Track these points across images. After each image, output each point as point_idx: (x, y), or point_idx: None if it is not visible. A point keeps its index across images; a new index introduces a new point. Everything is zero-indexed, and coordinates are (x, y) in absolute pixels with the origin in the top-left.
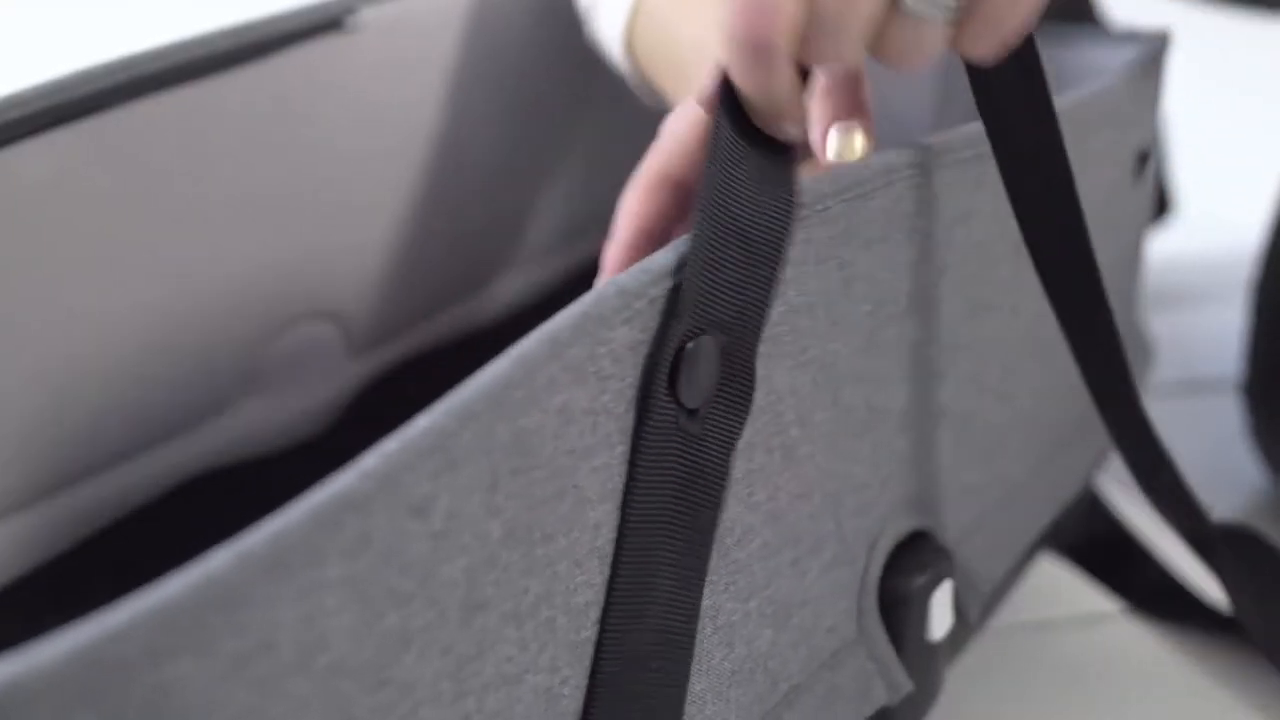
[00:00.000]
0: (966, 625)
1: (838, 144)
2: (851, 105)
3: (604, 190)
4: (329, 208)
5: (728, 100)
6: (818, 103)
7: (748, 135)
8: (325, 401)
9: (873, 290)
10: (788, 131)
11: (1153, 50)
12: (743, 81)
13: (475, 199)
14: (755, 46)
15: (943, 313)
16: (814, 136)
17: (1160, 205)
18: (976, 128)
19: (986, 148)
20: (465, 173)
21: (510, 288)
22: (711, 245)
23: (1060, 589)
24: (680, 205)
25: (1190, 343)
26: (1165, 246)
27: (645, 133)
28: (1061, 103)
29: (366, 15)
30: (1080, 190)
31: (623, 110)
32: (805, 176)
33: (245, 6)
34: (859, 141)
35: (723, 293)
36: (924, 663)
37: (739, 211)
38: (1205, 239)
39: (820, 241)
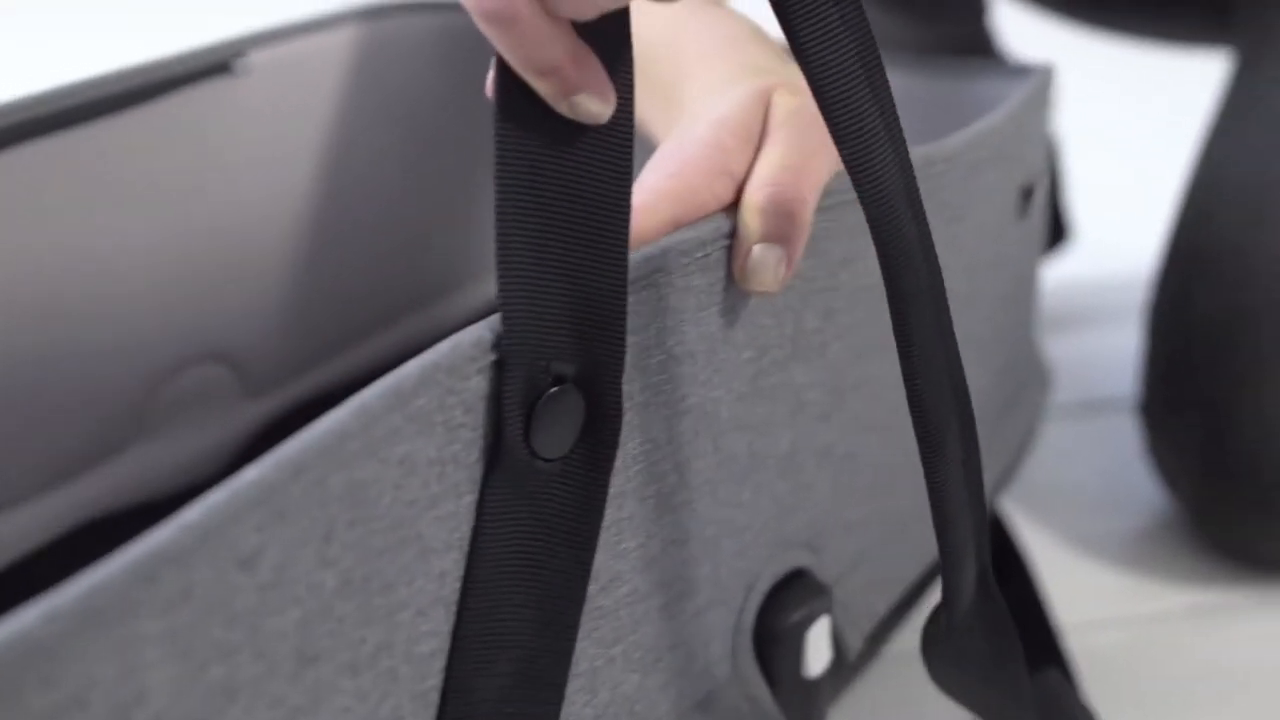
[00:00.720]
0: (846, 661)
1: (754, 264)
2: (788, 227)
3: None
4: (219, 250)
5: (515, 105)
6: (752, 214)
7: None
8: (220, 444)
9: (755, 336)
10: (587, 109)
11: (1038, 85)
12: (513, 59)
13: (370, 240)
14: (496, 13)
15: (829, 357)
16: (737, 248)
17: (1058, 233)
18: None
19: None
20: (358, 213)
21: (414, 328)
22: (559, 295)
23: None
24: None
25: (1089, 365)
26: (1065, 271)
27: None
28: (949, 145)
29: (255, 58)
30: (968, 229)
31: None
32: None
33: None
34: (777, 273)
35: (581, 341)
36: (802, 700)
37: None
38: (1103, 263)
39: (700, 289)
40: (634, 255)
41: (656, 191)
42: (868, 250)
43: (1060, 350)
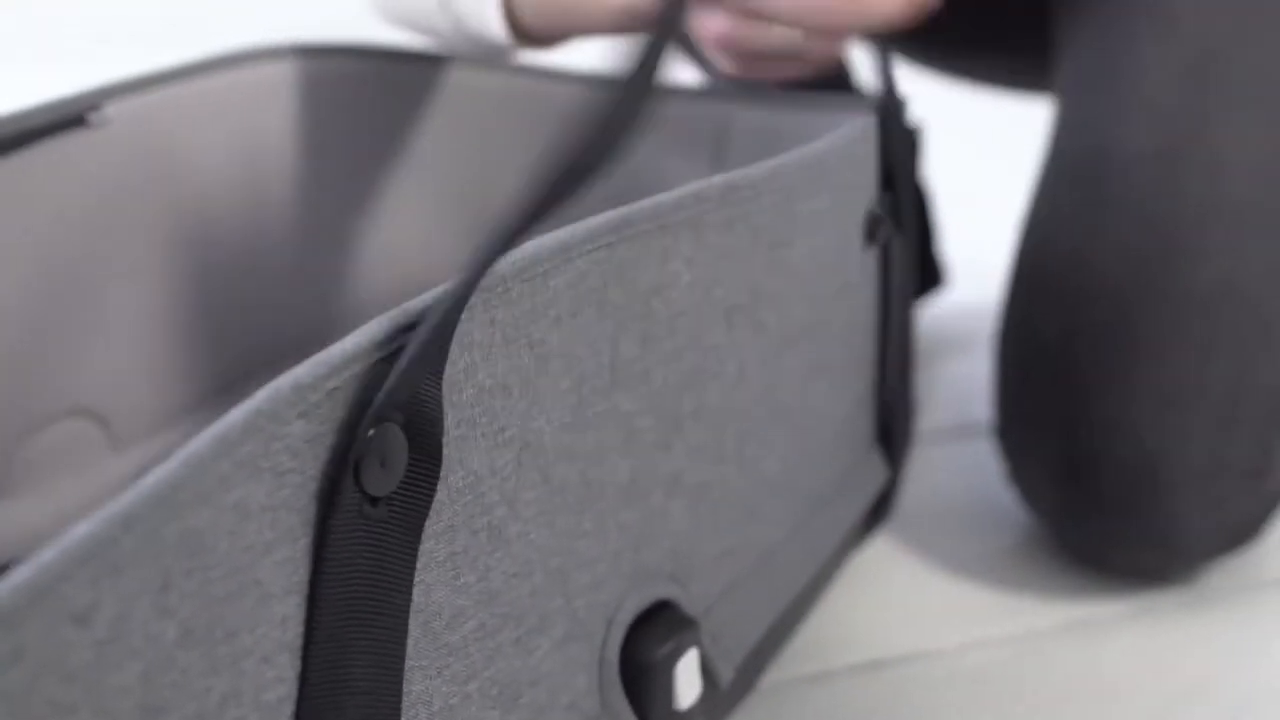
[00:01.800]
0: (718, 691)
1: None
2: None
3: (373, 276)
4: (80, 304)
5: None
6: None
7: None
8: (88, 500)
9: (571, 366)
10: None
11: (865, 120)
12: None
13: (234, 289)
14: None
15: (655, 383)
16: None
17: (935, 277)
18: (662, 199)
19: (671, 219)
20: (221, 263)
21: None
22: (387, 337)
23: (839, 638)
24: None
25: (965, 389)
26: (945, 298)
27: (410, 216)
28: (754, 171)
29: (111, 110)
30: (798, 254)
31: (387, 193)
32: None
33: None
34: None
35: (402, 380)
36: None
37: (417, 303)
38: (980, 290)
39: (505, 323)
40: (434, 292)
41: None
42: (678, 277)
43: (936, 376)
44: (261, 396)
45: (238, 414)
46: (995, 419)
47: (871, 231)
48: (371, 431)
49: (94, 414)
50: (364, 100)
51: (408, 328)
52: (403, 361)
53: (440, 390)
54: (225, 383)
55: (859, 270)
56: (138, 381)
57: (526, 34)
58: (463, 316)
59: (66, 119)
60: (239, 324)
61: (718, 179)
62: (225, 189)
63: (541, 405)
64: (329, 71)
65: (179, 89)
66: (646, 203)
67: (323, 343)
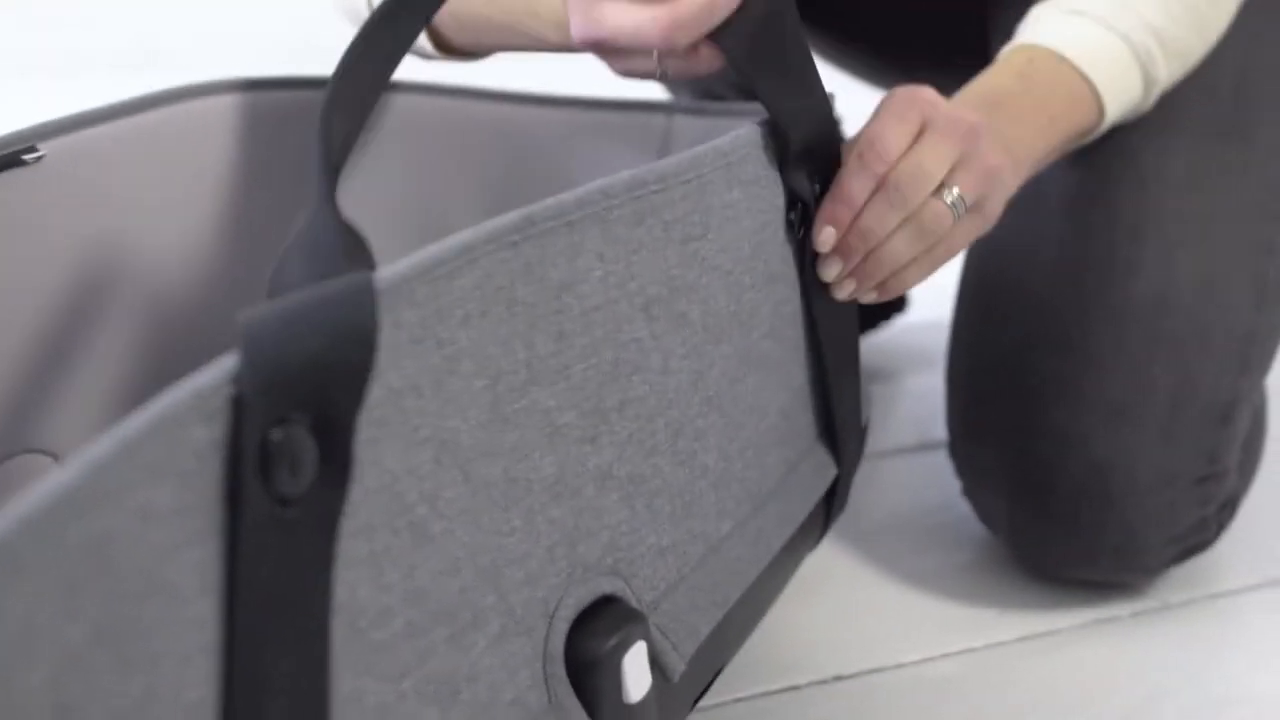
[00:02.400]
0: (671, 685)
1: None
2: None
3: None
4: (28, 344)
5: None
6: None
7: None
8: None
9: (485, 365)
10: None
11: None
12: None
13: (181, 326)
14: None
15: (575, 379)
16: None
17: (897, 302)
18: (565, 197)
19: (576, 215)
20: (167, 301)
21: None
22: (287, 332)
23: (803, 654)
24: None
25: (925, 405)
26: (911, 318)
27: (387, 249)
28: (660, 167)
29: (48, 149)
30: (712, 246)
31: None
32: (387, 267)
33: None
34: None
35: (305, 380)
36: None
37: (316, 301)
38: (940, 308)
39: (411, 323)
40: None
41: None
42: (590, 272)
43: (896, 392)
44: (163, 400)
45: (139, 419)
46: (949, 436)
47: (793, 220)
48: (276, 433)
49: (47, 451)
50: (304, 130)
51: (309, 330)
52: (301, 360)
53: (349, 391)
54: None
55: (781, 262)
56: (88, 419)
57: (451, 48)
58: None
59: (4, 159)
60: (187, 358)
61: (623, 175)
62: (166, 225)
63: (456, 404)
64: (267, 103)
65: (115, 126)
66: (550, 201)
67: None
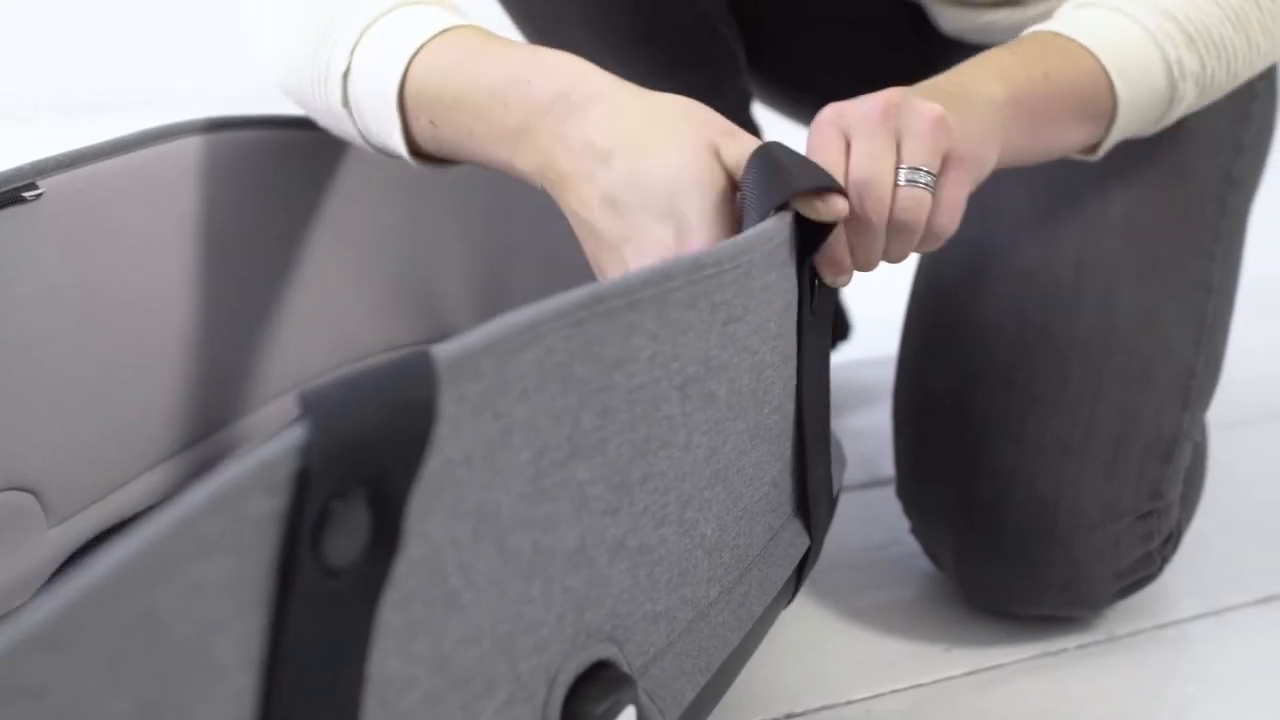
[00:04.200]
0: None
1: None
2: None
3: (304, 339)
4: (14, 380)
5: None
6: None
7: None
8: (28, 573)
9: (533, 438)
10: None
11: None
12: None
13: (165, 363)
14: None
15: (610, 453)
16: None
17: (840, 330)
18: (631, 277)
19: (640, 295)
20: (152, 337)
21: (212, 450)
22: (354, 408)
23: (753, 693)
24: None
25: (872, 442)
26: (850, 351)
27: (336, 276)
28: (719, 250)
29: (48, 185)
30: (748, 328)
31: (313, 255)
32: (454, 340)
33: None
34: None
35: (367, 453)
36: None
37: (381, 375)
38: (885, 344)
39: (472, 397)
40: (395, 362)
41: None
42: (641, 351)
43: (843, 429)
44: (225, 474)
45: (201, 493)
46: (896, 475)
47: (816, 296)
48: (334, 505)
49: (30, 489)
50: (294, 167)
51: (373, 404)
52: (375, 432)
53: (407, 464)
54: (160, 456)
55: (793, 340)
56: (72, 456)
57: (427, 156)
58: (433, 392)
59: (4, 196)
60: (172, 395)
61: (684, 257)
62: (154, 261)
63: (501, 476)
64: (257, 141)
65: (110, 164)
66: (616, 280)
67: (255, 412)
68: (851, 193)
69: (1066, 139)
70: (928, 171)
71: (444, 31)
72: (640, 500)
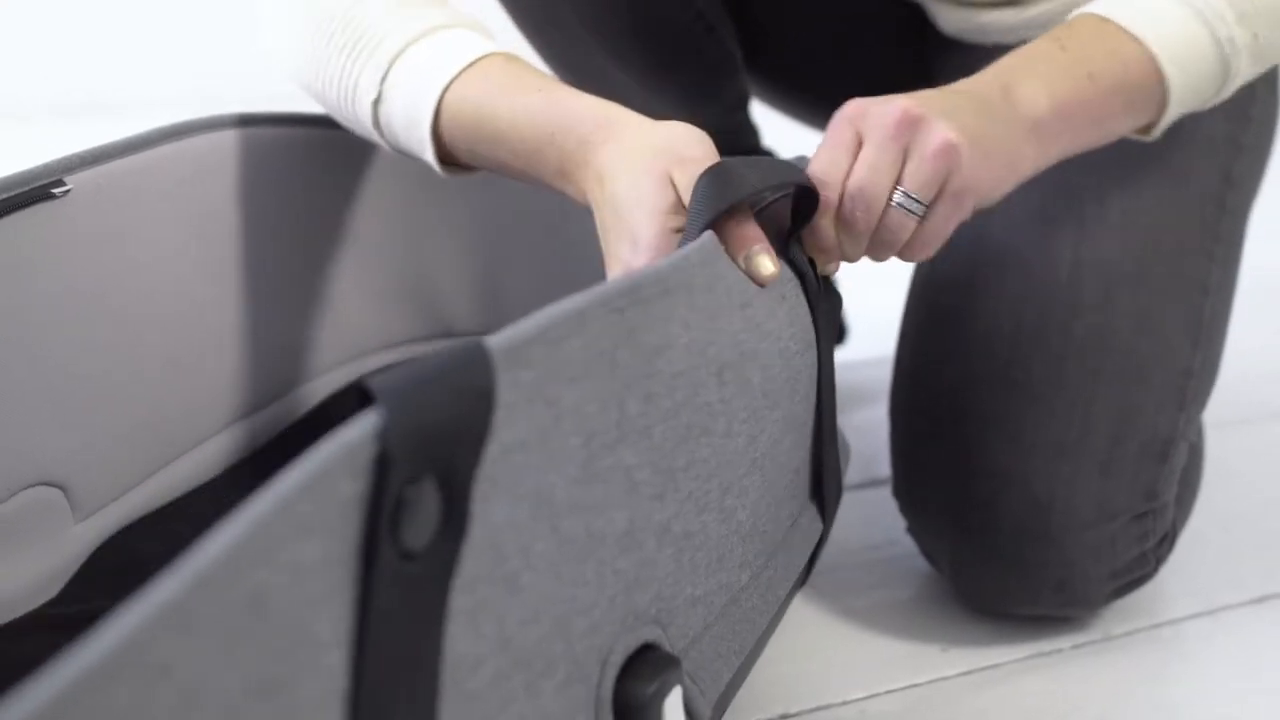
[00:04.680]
0: None
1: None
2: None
3: (321, 335)
4: (41, 375)
5: None
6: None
7: None
8: (56, 568)
9: (583, 423)
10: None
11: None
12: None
13: (187, 358)
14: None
15: (656, 439)
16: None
17: (838, 332)
18: (661, 264)
19: (671, 283)
20: (174, 332)
21: (231, 443)
22: (422, 396)
23: (748, 693)
24: None
25: (869, 442)
26: (847, 352)
27: (353, 275)
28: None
29: (75, 182)
30: (760, 312)
31: (331, 254)
32: (506, 330)
33: None
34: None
35: (437, 439)
36: None
37: (443, 365)
38: (882, 344)
39: (526, 384)
40: (458, 350)
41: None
42: (678, 338)
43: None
44: (316, 457)
45: (295, 475)
46: (892, 475)
47: (809, 289)
48: (410, 489)
49: (58, 484)
50: (306, 165)
51: (439, 391)
52: (436, 422)
53: (471, 449)
54: (180, 450)
55: (809, 325)
56: (98, 451)
57: (456, 164)
58: (491, 379)
59: (34, 193)
60: (193, 390)
61: (695, 243)
62: (177, 256)
63: (555, 460)
64: (272, 138)
65: (132, 160)
66: (649, 268)
67: (277, 406)
68: (846, 196)
69: (1112, 133)
70: (919, 202)
71: (473, 64)
72: (685, 486)
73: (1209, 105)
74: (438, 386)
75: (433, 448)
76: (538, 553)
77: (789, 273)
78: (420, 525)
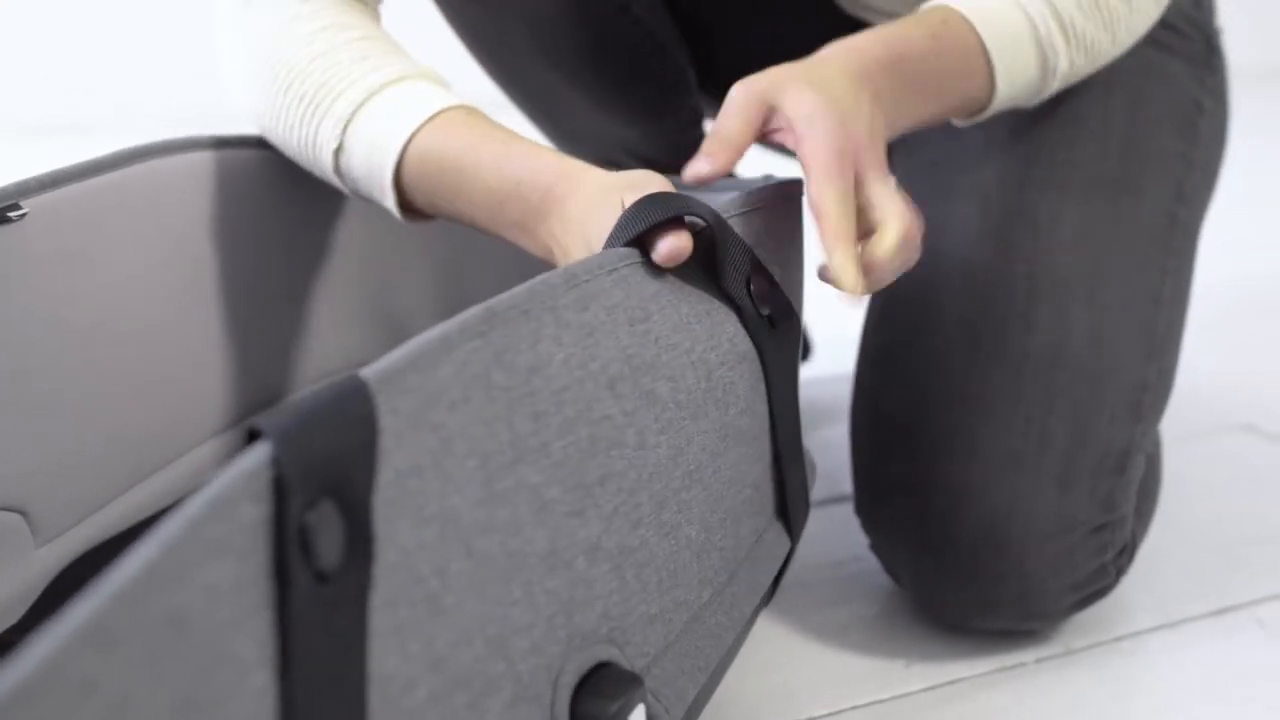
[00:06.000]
0: None
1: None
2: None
3: (292, 356)
4: (2, 401)
5: None
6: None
7: None
8: (16, 593)
9: (474, 445)
10: None
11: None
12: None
13: (151, 381)
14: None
15: (556, 455)
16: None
17: (802, 349)
18: (517, 291)
19: (527, 305)
20: (139, 355)
21: (195, 464)
22: (307, 425)
23: (712, 710)
24: None
25: (832, 458)
26: (811, 369)
27: (326, 297)
28: (592, 260)
29: (31, 206)
30: (660, 327)
31: (303, 274)
32: (379, 361)
33: None
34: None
35: (326, 462)
36: None
37: (324, 397)
38: (844, 361)
39: (407, 410)
40: (347, 379)
41: None
42: (553, 355)
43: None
44: (217, 483)
45: (200, 498)
46: (854, 491)
47: (752, 296)
48: (311, 513)
49: (18, 509)
50: (279, 186)
51: (322, 421)
52: (330, 445)
53: (363, 471)
54: (141, 474)
55: (745, 342)
56: (59, 475)
57: (416, 211)
58: (371, 407)
59: None
60: (163, 410)
61: (559, 270)
62: (134, 279)
63: (454, 483)
64: (247, 160)
65: (100, 180)
66: (505, 295)
67: (235, 429)
68: (910, 237)
69: (958, 89)
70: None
71: (435, 117)
72: (606, 501)
73: (1037, 93)
74: (320, 415)
75: (325, 470)
76: (455, 573)
77: (701, 292)
78: (327, 547)
